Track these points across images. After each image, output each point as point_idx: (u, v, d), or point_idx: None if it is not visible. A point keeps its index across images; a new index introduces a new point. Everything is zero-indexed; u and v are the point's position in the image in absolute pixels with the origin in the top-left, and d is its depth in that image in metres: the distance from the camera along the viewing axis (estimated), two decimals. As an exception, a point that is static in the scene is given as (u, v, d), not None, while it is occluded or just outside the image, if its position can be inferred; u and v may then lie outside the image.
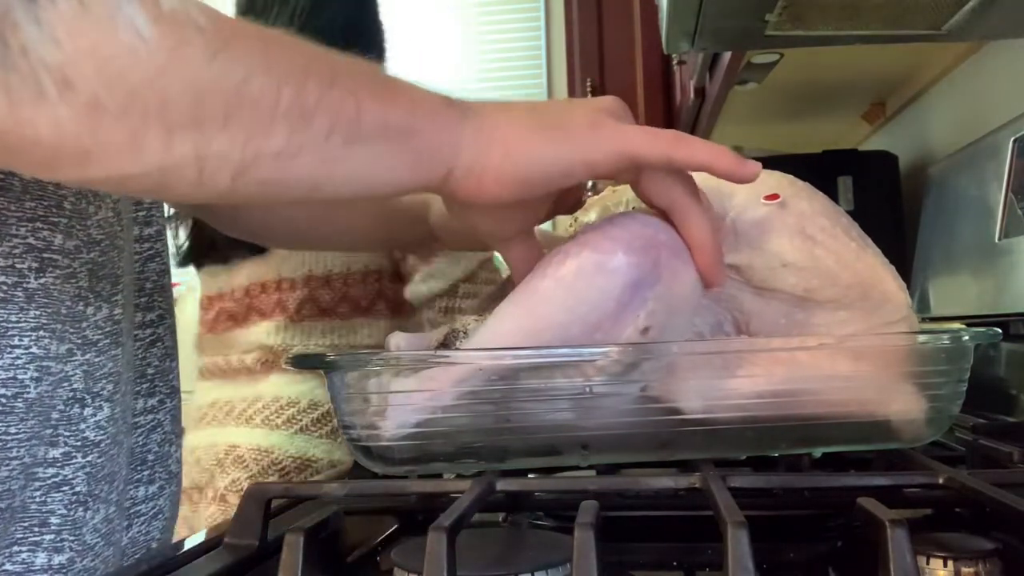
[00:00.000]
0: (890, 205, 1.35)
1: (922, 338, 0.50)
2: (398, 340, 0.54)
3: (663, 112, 1.93)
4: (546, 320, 0.46)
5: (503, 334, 0.47)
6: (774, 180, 0.54)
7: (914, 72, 1.27)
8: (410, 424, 0.46)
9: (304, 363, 0.51)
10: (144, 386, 0.60)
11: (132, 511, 0.59)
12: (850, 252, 0.52)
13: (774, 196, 0.53)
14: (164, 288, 0.63)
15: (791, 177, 0.56)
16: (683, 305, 0.48)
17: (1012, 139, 0.85)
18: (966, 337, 0.48)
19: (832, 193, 1.33)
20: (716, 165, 0.46)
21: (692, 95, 1.50)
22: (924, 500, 0.46)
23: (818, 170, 1.36)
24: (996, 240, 0.85)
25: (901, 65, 1.24)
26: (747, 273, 0.52)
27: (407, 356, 0.49)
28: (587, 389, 0.46)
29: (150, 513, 0.60)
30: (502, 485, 0.44)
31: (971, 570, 0.36)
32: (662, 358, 0.47)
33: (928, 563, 0.36)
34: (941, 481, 0.43)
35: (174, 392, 0.64)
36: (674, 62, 1.80)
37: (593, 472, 0.52)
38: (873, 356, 0.49)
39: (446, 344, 0.55)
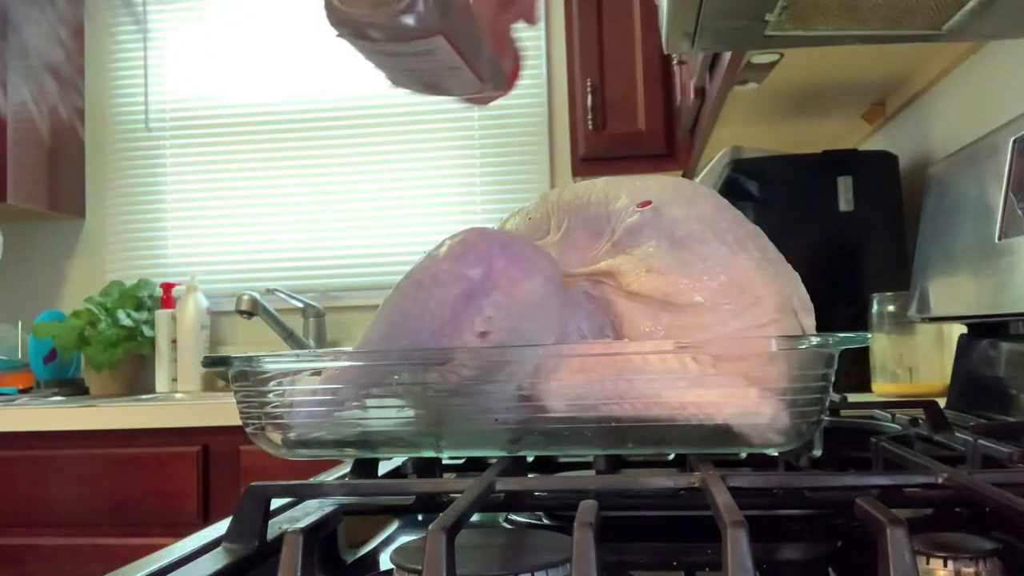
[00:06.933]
0: (890, 205, 1.35)
1: (776, 342, 0.48)
2: None
3: (663, 112, 1.92)
4: (400, 327, 0.52)
5: (370, 339, 0.53)
6: (656, 185, 0.56)
7: (914, 72, 1.27)
8: (302, 418, 0.53)
9: (215, 363, 0.56)
10: None
11: None
12: (719, 257, 0.52)
13: (647, 203, 0.55)
14: None
15: (680, 181, 0.57)
16: (530, 310, 0.51)
17: (1012, 139, 0.85)
18: (826, 341, 0.46)
19: (832, 193, 1.34)
20: None
21: (692, 95, 1.50)
22: (924, 500, 0.46)
23: (818, 170, 1.36)
24: (996, 240, 0.85)
25: (901, 65, 1.25)
26: (619, 277, 0.53)
27: (284, 360, 0.54)
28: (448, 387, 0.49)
29: None
30: (502, 485, 0.44)
31: (971, 570, 0.36)
32: (527, 360, 0.50)
33: (928, 563, 0.36)
34: (941, 481, 0.43)
35: None
36: (674, 62, 1.80)
37: (593, 472, 0.53)
38: (725, 360, 0.48)
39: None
